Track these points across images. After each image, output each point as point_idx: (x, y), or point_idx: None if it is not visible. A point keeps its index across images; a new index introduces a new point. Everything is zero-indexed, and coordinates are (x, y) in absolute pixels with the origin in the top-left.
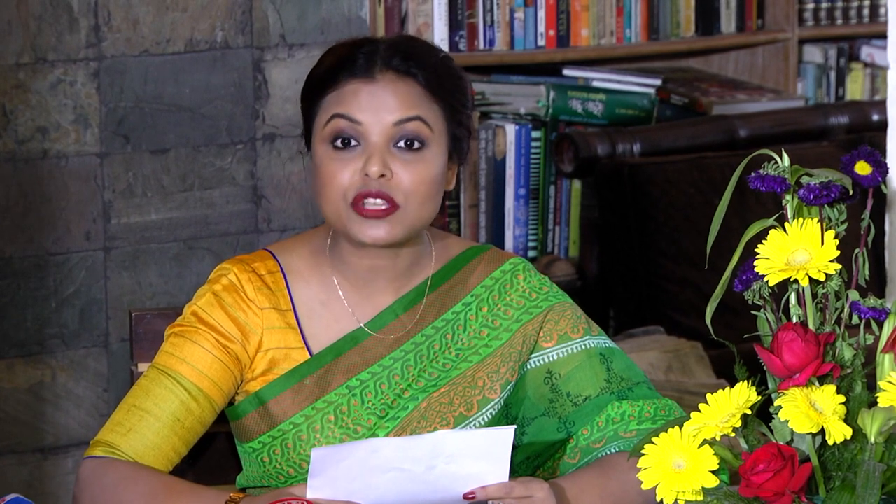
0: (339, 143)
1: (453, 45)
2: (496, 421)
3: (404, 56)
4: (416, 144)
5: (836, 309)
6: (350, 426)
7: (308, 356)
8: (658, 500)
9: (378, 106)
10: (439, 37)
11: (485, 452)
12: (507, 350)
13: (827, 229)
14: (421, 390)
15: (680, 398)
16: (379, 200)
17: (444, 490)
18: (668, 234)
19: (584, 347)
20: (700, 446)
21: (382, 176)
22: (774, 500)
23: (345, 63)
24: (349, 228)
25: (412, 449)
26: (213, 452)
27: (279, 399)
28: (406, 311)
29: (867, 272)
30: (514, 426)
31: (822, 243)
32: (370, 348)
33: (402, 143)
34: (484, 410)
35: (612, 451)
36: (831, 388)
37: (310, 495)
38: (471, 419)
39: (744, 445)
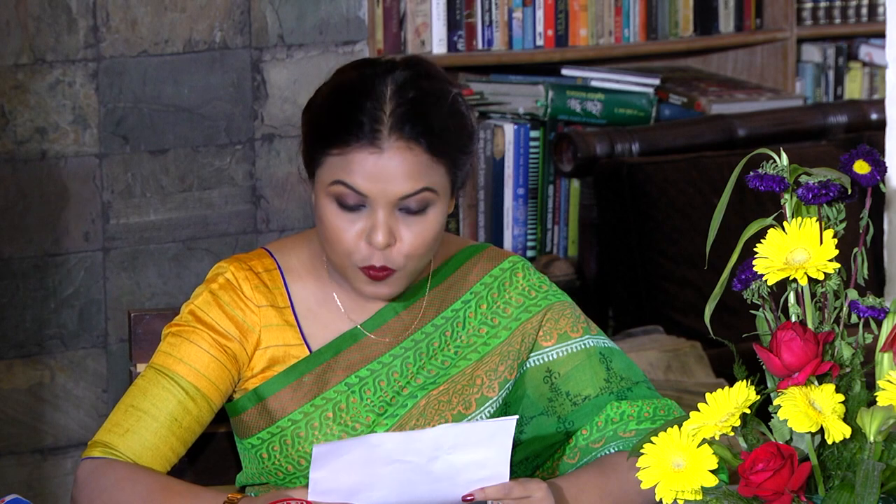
0: (343, 204)
1: (452, 45)
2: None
3: (412, 121)
4: (422, 208)
5: (835, 308)
6: (349, 423)
7: (307, 353)
8: (657, 499)
9: (384, 177)
10: (437, 37)
11: (487, 443)
12: (506, 348)
13: (826, 228)
14: (420, 388)
15: (679, 398)
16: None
17: (446, 480)
18: (666, 234)
19: (583, 347)
20: (699, 446)
21: (387, 245)
22: (774, 499)
23: (349, 124)
24: (352, 282)
25: (414, 443)
26: (211, 452)
27: (278, 396)
28: (406, 308)
29: (866, 271)
30: (516, 416)
31: (821, 242)
32: (370, 345)
33: (407, 208)
34: (482, 409)
35: (612, 451)
36: (830, 387)
37: (311, 489)
38: (469, 417)
39: (743, 445)
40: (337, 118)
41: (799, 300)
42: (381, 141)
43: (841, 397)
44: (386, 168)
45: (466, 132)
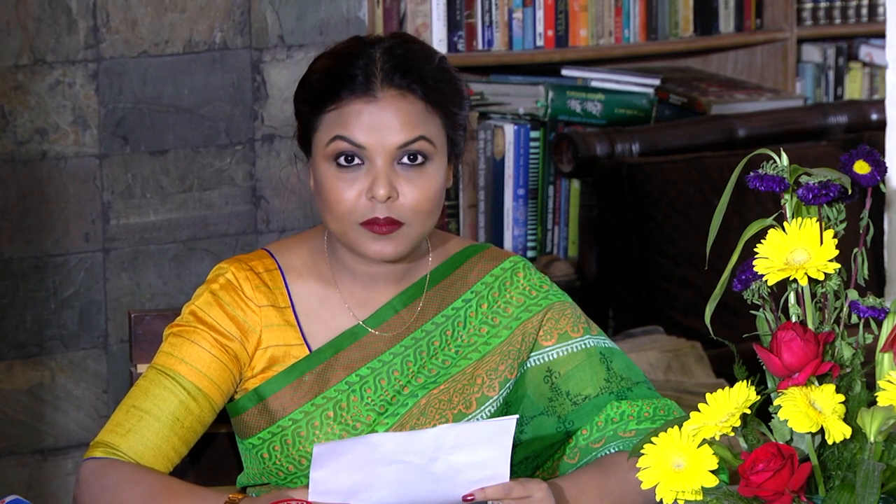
0: (342, 161)
1: (452, 45)
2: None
3: (404, 70)
4: (420, 160)
5: (836, 308)
6: (349, 422)
7: (307, 353)
8: (657, 499)
9: (381, 127)
10: (438, 37)
11: (487, 443)
12: (507, 348)
13: (826, 229)
14: (420, 387)
15: (679, 398)
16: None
17: (446, 480)
18: (666, 234)
19: (584, 346)
20: (699, 446)
21: (389, 198)
22: (774, 499)
23: (343, 79)
24: (356, 244)
25: (414, 443)
26: (213, 453)
27: (278, 395)
28: (405, 306)
29: (866, 271)
30: (517, 416)
31: (821, 243)
32: (369, 344)
33: (406, 160)
34: (483, 408)
35: (612, 451)
36: (830, 387)
37: (311, 489)
38: (469, 417)
39: (743, 445)
40: (330, 79)
41: (799, 300)
42: (375, 91)
43: (841, 397)
44: (381, 117)
45: (457, 89)
